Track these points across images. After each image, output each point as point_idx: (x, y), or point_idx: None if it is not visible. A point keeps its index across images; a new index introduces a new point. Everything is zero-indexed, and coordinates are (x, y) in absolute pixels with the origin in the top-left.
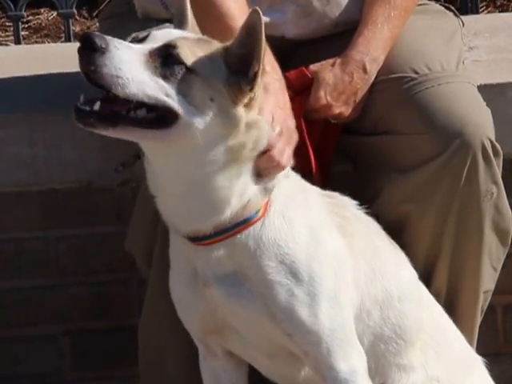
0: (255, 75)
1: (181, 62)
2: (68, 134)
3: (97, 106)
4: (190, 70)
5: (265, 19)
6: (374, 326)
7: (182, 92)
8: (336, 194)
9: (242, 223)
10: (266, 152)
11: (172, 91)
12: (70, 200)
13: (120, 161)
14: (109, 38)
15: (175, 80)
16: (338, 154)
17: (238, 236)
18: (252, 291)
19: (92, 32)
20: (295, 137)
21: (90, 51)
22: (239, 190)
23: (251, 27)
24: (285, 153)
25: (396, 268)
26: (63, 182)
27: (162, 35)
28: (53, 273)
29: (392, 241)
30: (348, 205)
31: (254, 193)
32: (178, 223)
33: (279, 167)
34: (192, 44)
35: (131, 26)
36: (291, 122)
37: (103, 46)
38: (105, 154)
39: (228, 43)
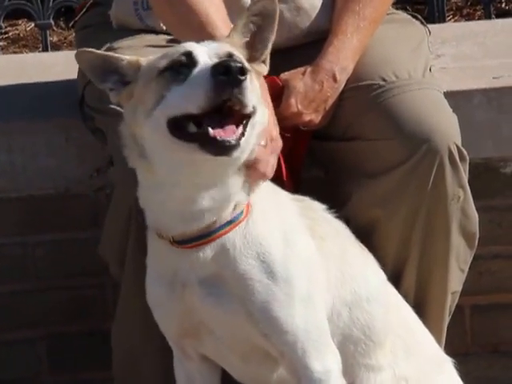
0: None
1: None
2: (45, 141)
3: (236, 135)
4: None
5: None
6: (343, 326)
7: None
8: (305, 198)
9: (228, 224)
10: (252, 164)
11: None
12: (47, 206)
13: (95, 167)
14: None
15: None
16: (308, 160)
17: (225, 236)
18: (231, 291)
19: (239, 60)
20: (279, 144)
21: (238, 81)
22: (233, 195)
23: (267, 12)
24: (270, 164)
25: (365, 270)
26: (40, 189)
27: (217, 50)
28: (30, 278)
29: (361, 244)
30: (317, 208)
31: (239, 196)
32: (169, 228)
33: (265, 177)
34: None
35: (106, 36)
36: (275, 131)
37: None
38: (81, 161)
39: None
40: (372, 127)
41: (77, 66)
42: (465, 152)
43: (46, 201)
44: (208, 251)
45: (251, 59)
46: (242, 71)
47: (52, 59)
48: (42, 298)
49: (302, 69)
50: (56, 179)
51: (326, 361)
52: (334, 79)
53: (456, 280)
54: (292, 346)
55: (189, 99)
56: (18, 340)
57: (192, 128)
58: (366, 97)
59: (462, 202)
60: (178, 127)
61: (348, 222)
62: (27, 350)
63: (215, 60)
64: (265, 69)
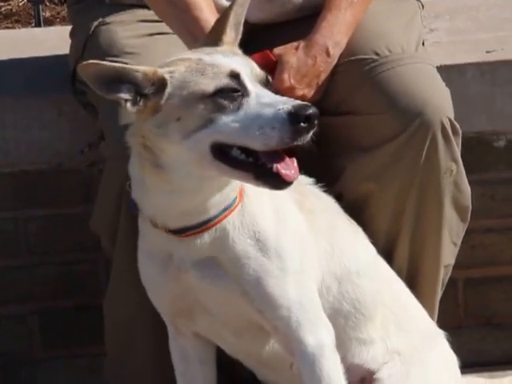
0: None
1: None
2: (37, 116)
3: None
4: None
5: (226, 3)
6: (333, 301)
7: None
8: None
9: (225, 210)
10: None
11: None
12: (39, 181)
13: (87, 142)
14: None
15: None
16: None
17: (223, 222)
18: (226, 272)
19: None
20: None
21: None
22: (235, 186)
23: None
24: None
25: (354, 244)
26: (33, 164)
27: (251, 69)
28: (22, 253)
29: (350, 218)
30: (305, 183)
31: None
32: (168, 222)
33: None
34: None
35: (99, 10)
36: None
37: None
38: (74, 136)
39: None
40: (365, 101)
41: (69, 41)
42: (457, 126)
43: (39, 176)
44: (206, 237)
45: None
46: (317, 115)
47: (45, 34)
48: (34, 272)
49: (295, 43)
50: (48, 154)
51: (319, 334)
52: (328, 54)
53: (449, 253)
54: (286, 320)
55: (252, 134)
56: (10, 315)
57: (236, 153)
58: (359, 71)
59: (454, 176)
60: (222, 151)
61: (341, 196)
62: (19, 325)
63: (256, 83)
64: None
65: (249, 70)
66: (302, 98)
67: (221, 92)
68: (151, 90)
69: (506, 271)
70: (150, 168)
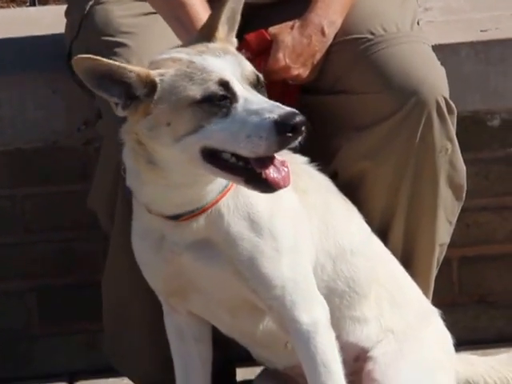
0: None
1: None
2: (33, 94)
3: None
4: None
5: None
6: (327, 280)
7: None
8: (287, 152)
9: (219, 193)
10: None
11: None
12: (35, 159)
13: (83, 120)
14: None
15: None
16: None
17: (218, 204)
18: (220, 253)
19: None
20: None
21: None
22: None
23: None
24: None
25: (348, 223)
26: (29, 142)
27: (241, 71)
28: (19, 230)
29: (344, 197)
30: (299, 161)
31: None
32: (164, 210)
33: None
34: None
35: None
36: None
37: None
38: (69, 114)
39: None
40: (360, 81)
41: (64, 20)
42: (452, 105)
43: (35, 154)
44: (201, 221)
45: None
46: (304, 123)
47: (39, 14)
48: (32, 250)
49: (290, 23)
50: (44, 132)
51: (314, 312)
52: (323, 33)
53: (444, 232)
54: (281, 299)
55: (240, 142)
56: (8, 292)
57: (226, 156)
58: (354, 50)
59: (449, 155)
60: (212, 154)
61: (336, 175)
62: (17, 302)
63: (247, 87)
64: (235, 43)
65: (239, 71)
66: (297, 77)
67: (209, 99)
68: (143, 92)
69: (500, 250)
70: (145, 164)
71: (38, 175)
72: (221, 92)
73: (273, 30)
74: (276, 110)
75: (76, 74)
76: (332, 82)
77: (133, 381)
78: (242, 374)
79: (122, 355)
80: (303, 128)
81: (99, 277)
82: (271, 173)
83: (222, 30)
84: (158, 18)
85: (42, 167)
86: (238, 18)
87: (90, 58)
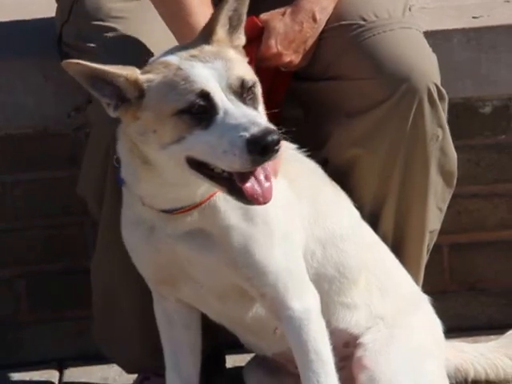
0: None
1: None
2: (23, 80)
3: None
4: None
5: None
6: (317, 266)
7: None
8: None
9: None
10: None
11: None
12: (25, 145)
13: (73, 106)
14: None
15: None
16: (288, 100)
17: (213, 198)
18: (214, 242)
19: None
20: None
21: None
22: None
23: None
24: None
25: (338, 208)
26: (19, 128)
27: (227, 79)
28: (8, 217)
29: (334, 183)
30: (288, 148)
31: None
32: (158, 205)
33: None
34: None
35: None
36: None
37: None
38: (60, 99)
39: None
40: (352, 67)
41: (55, 5)
42: (444, 91)
43: (25, 140)
44: (195, 214)
45: (230, 34)
46: (278, 142)
47: None
48: (21, 236)
49: (281, 9)
50: (34, 118)
51: (306, 300)
52: (314, 19)
53: (434, 218)
54: (273, 286)
55: (218, 156)
56: None
57: (211, 166)
58: (345, 36)
59: (440, 142)
60: (198, 163)
61: (326, 162)
62: (6, 289)
63: (231, 97)
64: (243, 39)
65: (224, 80)
66: (290, 63)
67: (190, 110)
68: (133, 95)
69: (491, 237)
70: (141, 164)
71: (28, 161)
72: (201, 103)
73: (264, 16)
74: (251, 128)
75: (66, 58)
76: (324, 68)
77: (122, 367)
78: (232, 360)
79: (111, 342)
80: (276, 147)
81: (89, 263)
82: (251, 187)
83: (220, 31)
84: (151, 3)
85: (32, 153)
86: (244, 17)
87: (77, 63)
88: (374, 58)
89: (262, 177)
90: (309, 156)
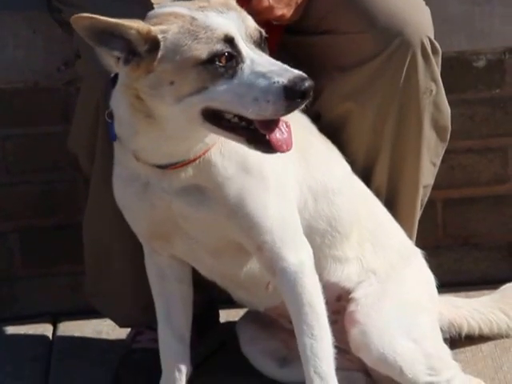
0: None
1: None
2: (12, 34)
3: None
4: None
5: None
6: (309, 218)
7: None
8: None
9: (208, 144)
10: None
11: None
12: (16, 100)
13: (63, 60)
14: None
15: None
16: (280, 55)
17: (208, 153)
18: (210, 196)
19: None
20: None
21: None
22: None
23: None
24: None
25: (329, 162)
26: (9, 82)
27: (246, 29)
28: (0, 172)
29: (325, 137)
30: None
31: None
32: (153, 160)
33: None
34: None
35: None
36: None
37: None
38: (49, 54)
39: None
40: (345, 20)
41: None
42: (437, 45)
43: (15, 94)
44: (190, 170)
45: None
46: (312, 88)
47: None
48: (13, 191)
49: None
50: (24, 73)
51: (300, 253)
52: None
53: (428, 173)
54: (270, 238)
55: (246, 104)
56: None
57: (229, 116)
58: None
59: (434, 96)
60: (214, 114)
61: (319, 116)
62: None
63: (251, 46)
64: None
65: (243, 29)
66: (282, 17)
67: (214, 59)
68: (144, 48)
69: (484, 192)
70: (143, 118)
71: (18, 116)
72: (227, 50)
73: None
74: (285, 73)
75: (56, 12)
76: (316, 22)
77: (115, 322)
78: (225, 315)
79: (103, 296)
80: (311, 93)
81: (81, 218)
82: (275, 135)
83: None
84: None
85: (22, 108)
86: None
87: (87, 16)
88: (367, 12)
89: (283, 125)
90: (301, 110)
